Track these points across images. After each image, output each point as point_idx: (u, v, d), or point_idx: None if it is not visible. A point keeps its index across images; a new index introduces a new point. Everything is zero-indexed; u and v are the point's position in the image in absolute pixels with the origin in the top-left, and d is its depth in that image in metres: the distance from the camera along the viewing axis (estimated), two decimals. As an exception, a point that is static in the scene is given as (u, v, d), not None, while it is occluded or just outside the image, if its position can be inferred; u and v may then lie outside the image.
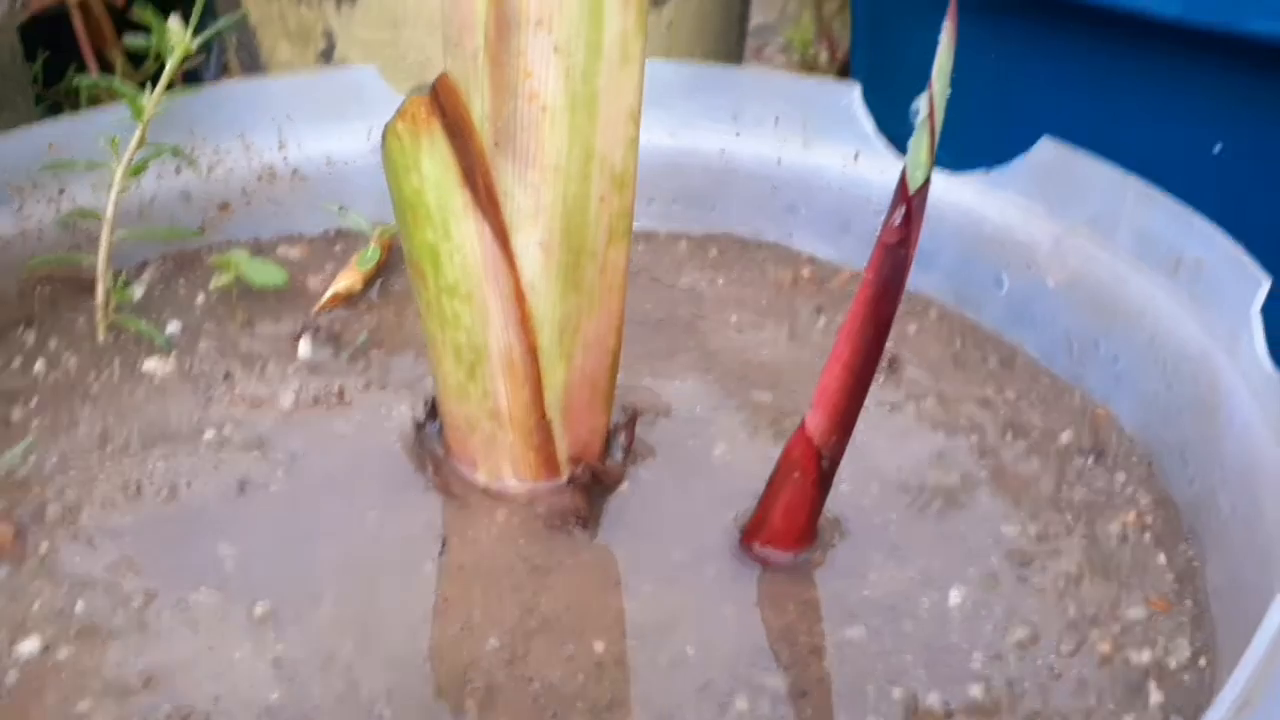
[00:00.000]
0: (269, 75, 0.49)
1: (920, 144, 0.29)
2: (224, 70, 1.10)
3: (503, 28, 0.33)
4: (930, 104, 0.29)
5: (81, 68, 0.82)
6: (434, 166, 0.35)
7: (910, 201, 0.30)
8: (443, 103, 0.34)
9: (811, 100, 0.49)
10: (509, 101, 0.33)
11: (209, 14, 1.00)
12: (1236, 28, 0.48)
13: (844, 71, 1.15)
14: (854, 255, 0.50)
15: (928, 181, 0.30)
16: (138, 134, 0.45)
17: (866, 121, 0.48)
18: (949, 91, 0.29)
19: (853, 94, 0.48)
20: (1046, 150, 0.43)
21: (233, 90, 0.49)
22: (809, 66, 1.18)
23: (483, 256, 0.35)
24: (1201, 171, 0.54)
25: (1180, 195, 0.55)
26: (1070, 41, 0.54)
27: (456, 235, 0.35)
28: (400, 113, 0.34)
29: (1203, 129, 0.53)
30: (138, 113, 0.45)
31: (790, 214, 0.51)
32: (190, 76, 0.88)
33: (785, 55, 1.32)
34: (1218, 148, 0.53)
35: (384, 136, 0.35)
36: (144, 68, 0.80)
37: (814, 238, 0.50)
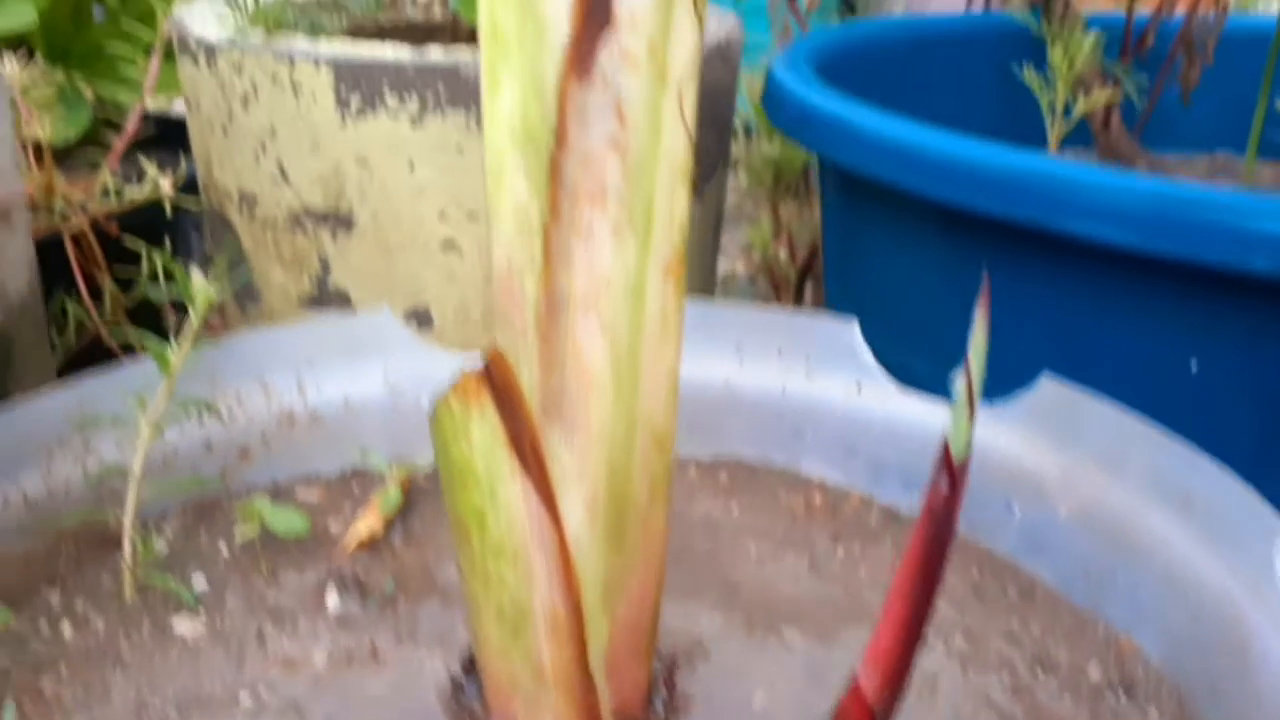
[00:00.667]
0: (290, 324, 0.51)
1: (960, 420, 0.31)
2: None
3: (552, 308, 0.34)
4: (968, 382, 0.30)
5: (69, 291, 0.83)
6: (483, 434, 0.36)
7: (954, 472, 0.31)
8: (493, 375, 0.36)
9: (812, 334, 0.51)
10: (556, 373, 0.35)
11: (194, 248, 1.03)
12: (1192, 258, 0.52)
13: (804, 270, 1.20)
14: (862, 479, 0.51)
15: (969, 455, 0.31)
16: (164, 389, 0.46)
17: (867, 355, 0.50)
18: (984, 371, 0.31)
19: (852, 330, 0.50)
20: (1047, 388, 0.45)
21: (255, 340, 0.50)
22: (769, 266, 1.23)
23: (529, 518, 0.36)
24: (1181, 386, 0.57)
25: (1163, 408, 0.57)
26: (1044, 264, 0.58)
27: (503, 498, 0.36)
28: (452, 385, 0.36)
29: (1177, 347, 0.57)
30: (165, 368, 0.46)
31: (797, 439, 0.52)
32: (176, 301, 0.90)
33: (745, 255, 1.37)
34: (1194, 365, 0.56)
35: (434, 407, 0.36)
36: (132, 293, 0.81)
37: (822, 463, 0.52)
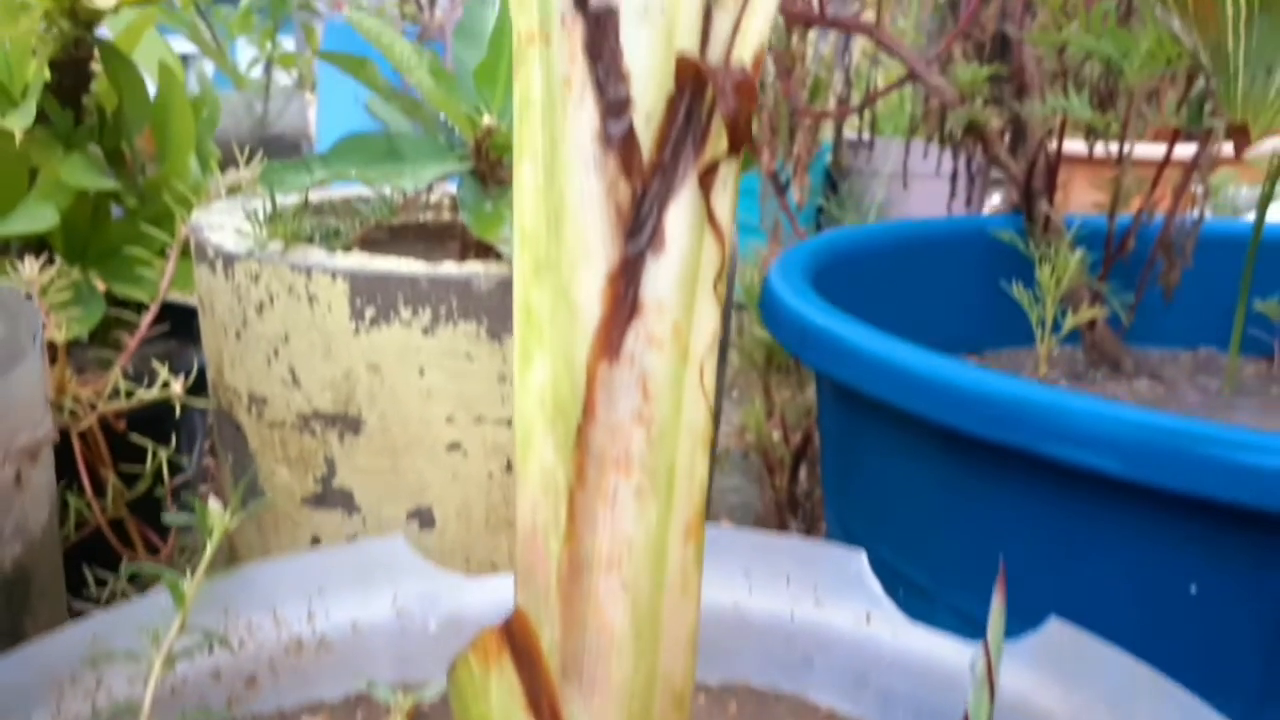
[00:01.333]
0: (302, 551, 0.51)
1: (981, 700, 0.31)
2: (210, 480, 1.12)
3: (575, 569, 0.35)
4: (987, 663, 0.31)
5: (72, 484, 0.83)
6: (501, 694, 0.36)
7: (977, 747, 0.32)
8: (513, 634, 0.36)
9: (820, 562, 0.52)
10: (577, 633, 0.36)
11: (198, 435, 1.04)
12: (1184, 490, 0.53)
13: (799, 455, 1.22)
14: (872, 710, 0.51)
15: (991, 729, 0.32)
16: (178, 620, 0.46)
17: (875, 584, 0.51)
18: (1001, 649, 0.32)
19: (860, 559, 0.51)
20: (1054, 631, 0.46)
21: (268, 570, 0.50)
22: (763, 447, 1.24)
23: (546, 780, 0.36)
24: (1182, 609, 0.57)
25: (1164, 629, 0.58)
26: (1041, 485, 0.59)
27: (521, 758, 0.36)
28: (473, 644, 0.36)
29: (1176, 570, 0.57)
30: (179, 600, 0.46)
31: (806, 667, 0.53)
32: (177, 492, 0.90)
33: (738, 433, 1.38)
34: (1193, 589, 0.57)
35: (453, 664, 0.36)
36: (136, 488, 0.82)
37: (831, 692, 0.52)
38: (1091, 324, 0.94)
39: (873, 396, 0.63)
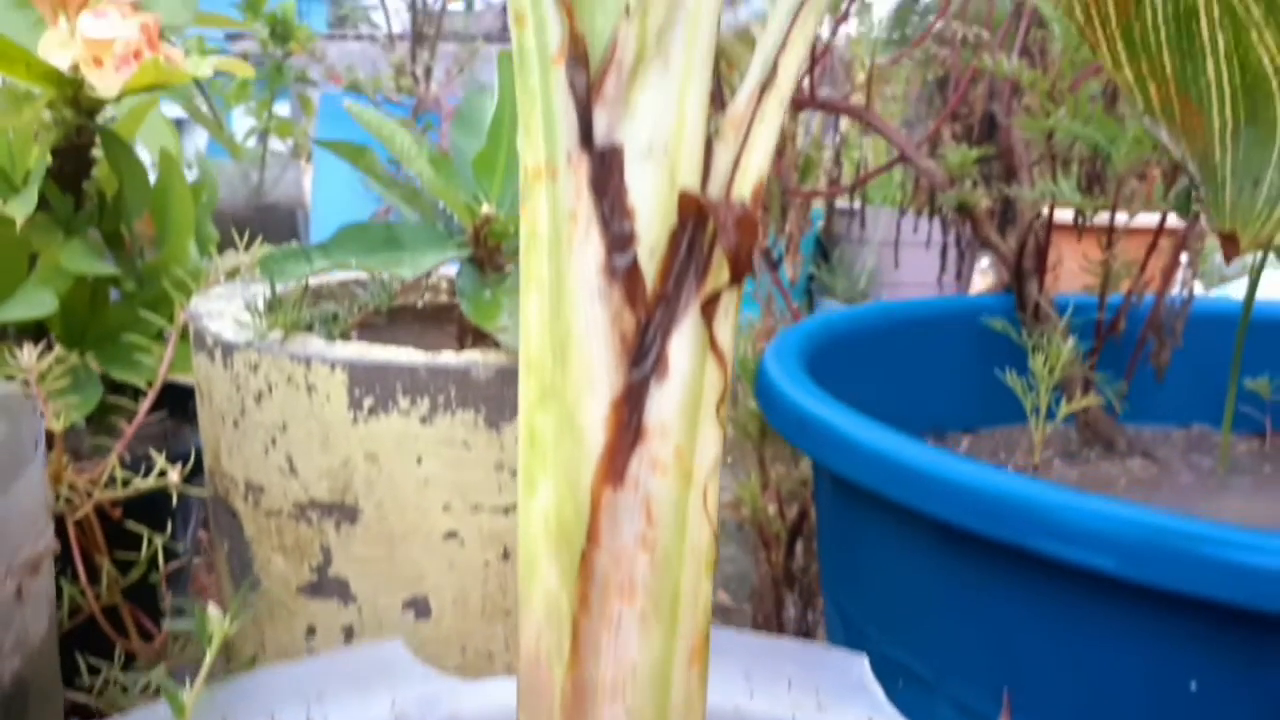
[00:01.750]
0: (304, 658, 0.51)
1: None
2: (209, 571, 1.12)
3: (579, 696, 0.35)
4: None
5: (65, 572, 0.83)
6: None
7: None
8: (517, 759, 0.36)
9: (823, 667, 0.52)
10: (582, 759, 0.35)
11: (193, 513, 1.03)
12: (1180, 589, 0.53)
13: (795, 531, 1.21)
14: (873, 815, 0.51)
15: None
16: (175, 732, 0.46)
17: (878, 690, 0.51)
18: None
19: (863, 665, 0.51)
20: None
21: (267, 677, 0.50)
22: (758, 523, 1.24)
23: None
24: (1182, 704, 0.57)
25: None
26: (1038, 579, 0.59)
27: None
28: (476, 770, 0.36)
29: (1176, 667, 0.57)
30: (179, 710, 0.46)
31: (806, 771, 0.52)
32: (172, 578, 0.90)
33: (733, 506, 1.38)
34: (1193, 685, 0.57)
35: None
36: (130, 574, 0.81)
37: (833, 796, 0.52)
38: (1087, 407, 0.94)
39: (870, 488, 0.64)
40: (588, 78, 0.32)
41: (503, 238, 0.82)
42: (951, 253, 1.40)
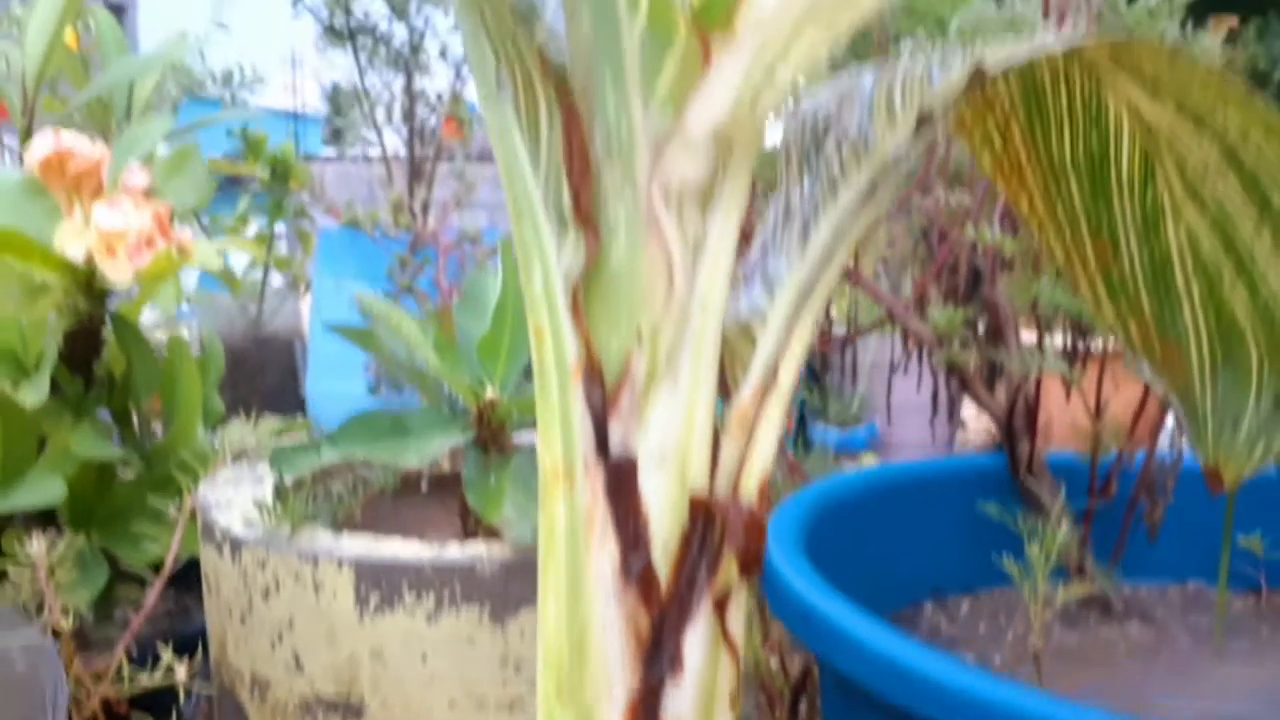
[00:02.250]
0: None
1: None
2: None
3: None
4: None
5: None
6: None
7: None
8: None
9: None
10: None
11: (198, 705, 1.03)
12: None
13: (798, 690, 1.21)
14: None
15: None
16: None
17: None
18: None
19: None
20: None
21: None
22: (759, 678, 1.23)
23: None
24: None
25: None
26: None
27: None
28: None
29: None
30: None
31: None
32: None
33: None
34: None
35: None
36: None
37: None
38: (1080, 564, 0.95)
39: (873, 692, 0.64)
40: (603, 394, 0.34)
41: (506, 419, 0.83)
42: (943, 395, 1.42)
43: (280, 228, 2.30)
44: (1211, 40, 1.53)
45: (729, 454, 0.36)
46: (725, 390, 0.37)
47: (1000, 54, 0.37)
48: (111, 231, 0.86)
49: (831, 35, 0.31)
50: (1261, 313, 0.45)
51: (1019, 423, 1.02)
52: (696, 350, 0.34)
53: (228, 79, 1.93)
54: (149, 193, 0.93)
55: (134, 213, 0.87)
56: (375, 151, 2.52)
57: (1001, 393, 1.05)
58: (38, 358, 0.90)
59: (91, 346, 0.93)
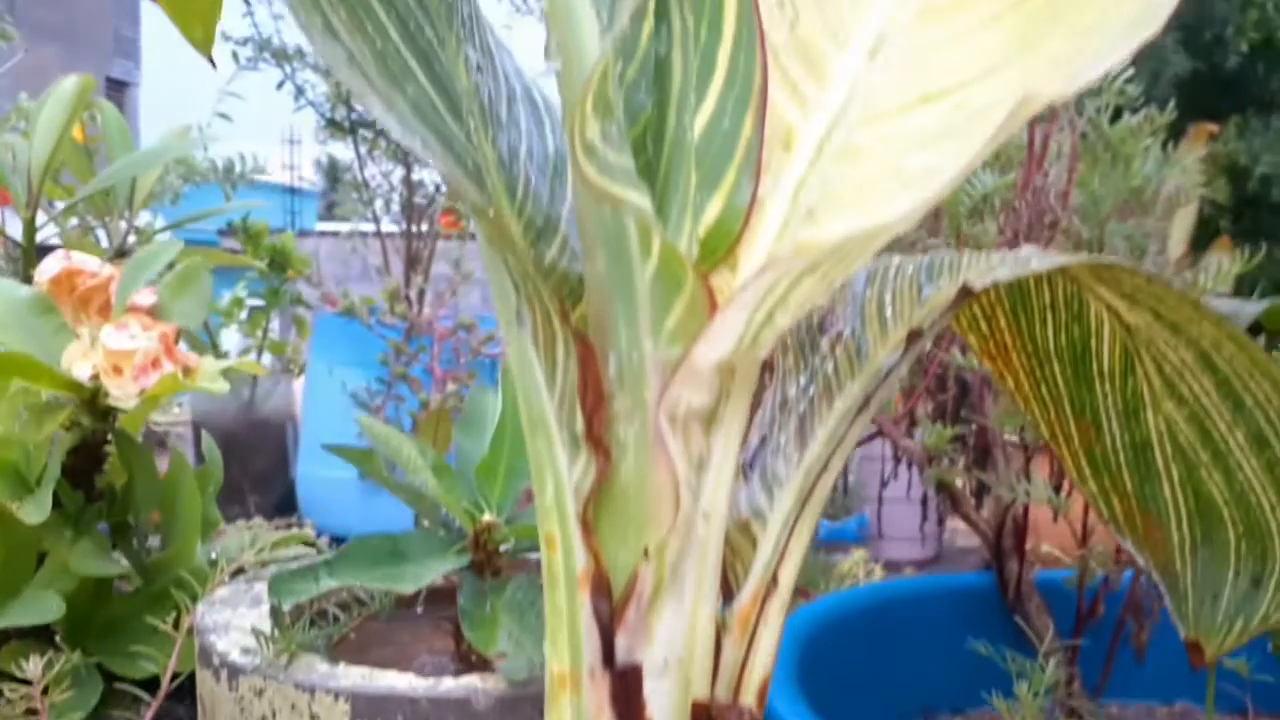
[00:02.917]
0: None
1: None
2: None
3: None
4: None
5: None
6: None
7: None
8: None
9: None
10: None
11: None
12: None
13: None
14: None
15: None
16: None
17: None
18: None
19: None
20: None
21: None
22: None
23: None
24: None
25: None
26: None
27: None
28: None
29: None
30: None
31: None
32: None
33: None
34: None
35: None
36: None
37: None
38: (1069, 685, 0.96)
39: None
40: (610, 606, 0.35)
41: (502, 542, 0.85)
42: (931, 502, 1.44)
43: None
44: (1191, 150, 1.58)
45: (730, 656, 0.37)
46: (727, 589, 0.39)
47: (985, 274, 0.39)
48: (119, 352, 0.88)
49: (828, 285, 0.33)
50: (1238, 498, 0.47)
51: (1008, 542, 1.03)
52: (700, 560, 0.36)
53: (229, 171, 1.97)
54: (154, 310, 0.95)
55: (141, 335, 0.89)
56: (371, 226, 2.55)
57: (989, 510, 1.07)
58: (41, 473, 0.91)
59: (94, 461, 0.94)
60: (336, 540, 1.15)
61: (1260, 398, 0.43)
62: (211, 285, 1.03)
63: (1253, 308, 0.70)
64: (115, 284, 0.95)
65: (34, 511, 0.86)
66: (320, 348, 2.23)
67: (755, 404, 0.44)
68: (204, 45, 0.59)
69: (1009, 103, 0.31)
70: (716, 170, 0.36)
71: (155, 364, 0.89)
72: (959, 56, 0.37)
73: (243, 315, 2.44)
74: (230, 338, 2.49)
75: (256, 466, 2.35)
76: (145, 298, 0.95)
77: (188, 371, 0.91)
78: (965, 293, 0.39)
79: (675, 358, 0.34)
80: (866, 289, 0.43)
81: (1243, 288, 0.99)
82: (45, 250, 1.11)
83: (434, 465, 0.86)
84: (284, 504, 2.20)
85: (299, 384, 2.58)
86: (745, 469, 0.42)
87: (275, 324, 2.63)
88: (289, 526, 1.69)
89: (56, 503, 0.91)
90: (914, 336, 0.39)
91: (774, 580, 0.37)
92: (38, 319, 0.94)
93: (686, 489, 0.35)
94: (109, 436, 0.95)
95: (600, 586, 0.35)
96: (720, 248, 0.37)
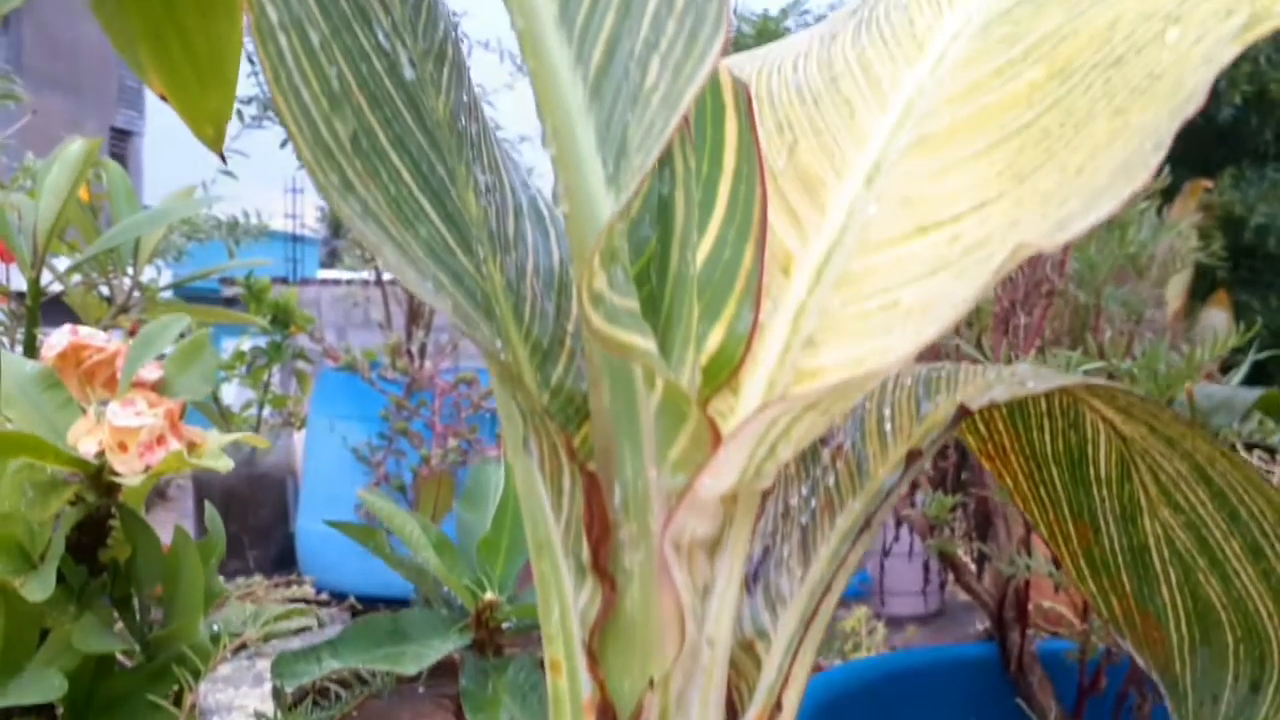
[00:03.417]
0: None
1: None
2: None
3: None
4: None
5: None
6: None
7: None
8: None
9: None
10: None
11: None
12: None
13: None
14: None
15: None
16: None
17: None
18: None
19: None
20: None
21: None
22: None
23: None
24: None
25: None
26: None
27: None
28: None
29: None
30: None
31: None
32: None
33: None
34: None
35: None
36: None
37: None
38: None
39: None
40: (615, 733, 0.36)
41: (504, 620, 0.85)
42: (934, 565, 1.44)
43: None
44: (1185, 211, 1.59)
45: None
46: (732, 709, 0.39)
47: (982, 393, 0.40)
48: (125, 429, 0.88)
49: (829, 419, 0.33)
50: (1236, 604, 0.48)
51: (1009, 614, 1.03)
52: (705, 686, 0.36)
53: (233, 227, 1.98)
54: (160, 385, 0.96)
55: (147, 412, 0.90)
56: (372, 275, 2.55)
57: (990, 579, 1.07)
58: (45, 549, 0.91)
59: (98, 536, 0.94)
60: (336, 596, 1.15)
61: (1255, 510, 0.43)
62: (217, 357, 1.04)
63: (1249, 394, 0.71)
64: (122, 359, 0.96)
65: (38, 589, 0.86)
66: (321, 402, 2.24)
67: (758, 513, 0.45)
68: (215, 144, 0.60)
69: (1000, 244, 0.32)
70: (718, 300, 0.37)
71: (160, 441, 0.90)
72: (952, 187, 0.38)
73: (244, 369, 2.45)
74: (232, 391, 2.50)
75: (256, 520, 2.35)
76: (151, 372, 0.95)
77: (192, 448, 0.91)
78: (963, 412, 0.40)
79: (680, 486, 0.35)
80: (866, 401, 0.44)
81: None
82: (49, 302, 1.11)
83: (436, 543, 0.86)
84: (283, 558, 2.20)
85: (300, 437, 2.59)
86: (749, 581, 0.42)
87: (276, 376, 2.64)
88: (289, 584, 1.68)
89: (60, 578, 0.91)
90: (914, 456, 0.40)
91: (778, 705, 0.38)
92: (44, 394, 0.95)
93: (691, 617, 0.36)
94: (113, 511, 0.95)
95: (606, 715, 0.36)
96: (723, 373, 0.37)
